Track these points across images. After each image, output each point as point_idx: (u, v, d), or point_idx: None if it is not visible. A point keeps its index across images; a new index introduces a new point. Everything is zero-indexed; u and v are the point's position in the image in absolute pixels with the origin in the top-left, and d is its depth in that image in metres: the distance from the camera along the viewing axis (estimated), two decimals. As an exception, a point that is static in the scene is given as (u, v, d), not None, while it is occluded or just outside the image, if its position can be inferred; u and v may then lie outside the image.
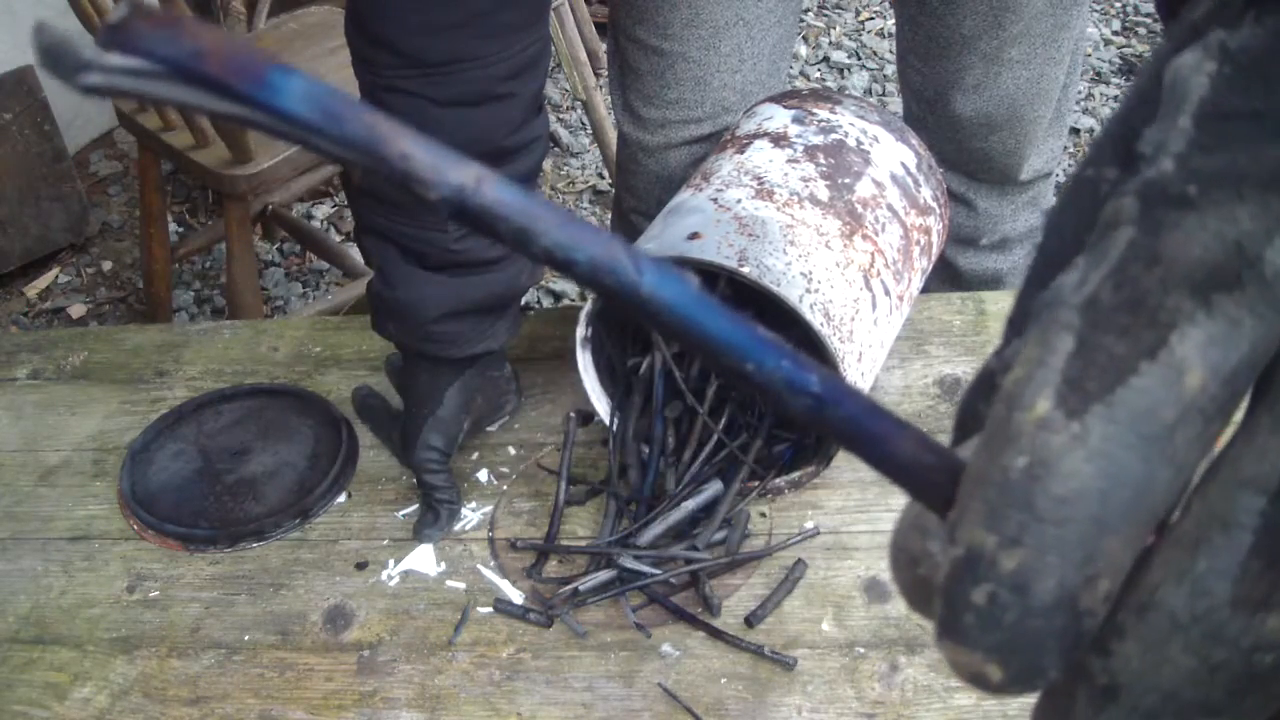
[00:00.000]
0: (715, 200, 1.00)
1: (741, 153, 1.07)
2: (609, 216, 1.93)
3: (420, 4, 0.85)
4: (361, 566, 1.01)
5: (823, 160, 1.03)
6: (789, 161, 1.03)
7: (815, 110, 1.10)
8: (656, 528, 0.96)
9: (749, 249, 0.92)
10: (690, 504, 0.97)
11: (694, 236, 0.95)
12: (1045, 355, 0.21)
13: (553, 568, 0.99)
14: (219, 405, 1.18)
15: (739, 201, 0.99)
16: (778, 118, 1.10)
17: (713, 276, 0.94)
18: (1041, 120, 1.34)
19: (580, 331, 1.02)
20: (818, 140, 1.06)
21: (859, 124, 1.07)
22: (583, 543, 1.00)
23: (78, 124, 2.76)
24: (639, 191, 1.42)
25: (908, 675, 0.87)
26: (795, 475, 1.01)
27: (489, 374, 1.07)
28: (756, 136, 1.09)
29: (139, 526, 1.06)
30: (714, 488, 0.98)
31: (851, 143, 1.05)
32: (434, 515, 1.02)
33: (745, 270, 0.89)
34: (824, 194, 1.00)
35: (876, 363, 1.00)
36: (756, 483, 1.00)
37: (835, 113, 1.09)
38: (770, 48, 1.31)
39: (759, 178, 1.02)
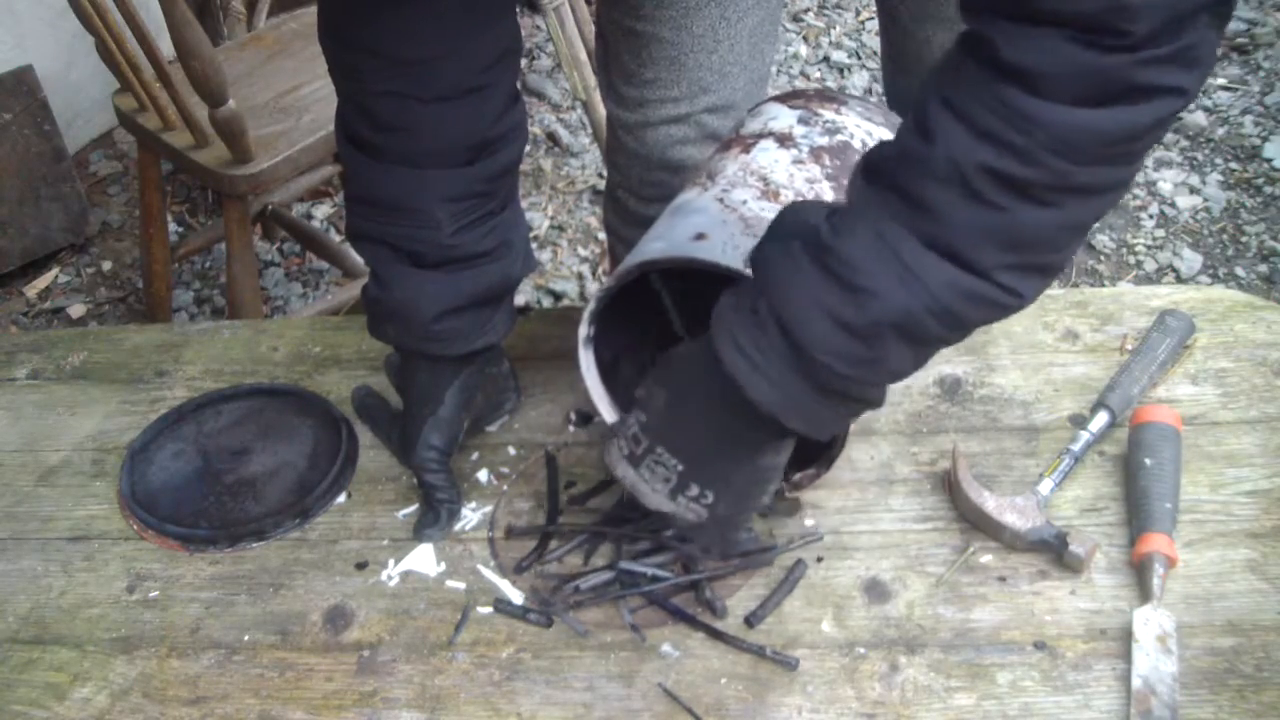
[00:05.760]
0: (721, 200, 1.00)
1: (747, 153, 1.06)
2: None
3: (395, 5, 0.88)
4: (361, 566, 1.01)
5: (828, 162, 1.03)
6: (794, 163, 1.03)
7: (820, 111, 1.09)
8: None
9: None
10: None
11: (700, 237, 0.95)
12: None
13: (553, 569, 0.99)
14: (219, 405, 1.18)
15: (744, 202, 0.98)
16: (783, 118, 1.10)
17: (720, 275, 0.94)
18: None
19: (583, 331, 1.02)
20: (823, 141, 1.05)
21: (864, 125, 1.07)
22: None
23: (78, 124, 2.76)
24: (622, 168, 1.43)
25: (908, 675, 0.87)
26: (796, 477, 1.00)
27: (488, 371, 1.07)
28: (762, 136, 1.08)
29: (139, 526, 1.06)
30: None
31: (857, 144, 1.05)
32: (434, 515, 1.02)
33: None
34: (829, 196, 0.99)
35: None
36: None
37: (840, 114, 1.09)
38: (749, 30, 1.30)
39: (764, 178, 1.01)
